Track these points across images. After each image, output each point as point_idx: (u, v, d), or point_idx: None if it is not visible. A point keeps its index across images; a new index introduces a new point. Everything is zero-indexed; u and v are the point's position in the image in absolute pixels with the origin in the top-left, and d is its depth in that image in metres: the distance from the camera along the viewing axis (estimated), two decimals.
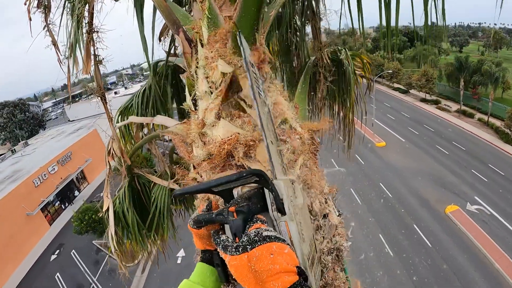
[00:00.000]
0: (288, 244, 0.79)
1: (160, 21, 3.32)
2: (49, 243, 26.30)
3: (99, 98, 3.53)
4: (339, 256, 1.72)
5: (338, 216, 1.79)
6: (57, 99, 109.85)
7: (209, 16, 1.59)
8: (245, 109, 1.54)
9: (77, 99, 73.56)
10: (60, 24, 3.31)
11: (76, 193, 33.08)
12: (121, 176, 3.83)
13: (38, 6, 3.33)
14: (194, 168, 1.73)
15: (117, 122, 4.07)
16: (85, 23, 3.14)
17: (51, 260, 24.39)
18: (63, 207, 30.76)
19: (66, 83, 3.49)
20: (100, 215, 3.94)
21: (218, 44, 1.57)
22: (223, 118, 1.54)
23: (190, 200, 4.11)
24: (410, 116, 39.50)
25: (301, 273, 0.75)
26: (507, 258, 16.90)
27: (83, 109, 48.91)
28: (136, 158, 3.87)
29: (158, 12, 3.10)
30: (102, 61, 3.39)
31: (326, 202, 1.73)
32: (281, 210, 0.94)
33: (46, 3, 3.36)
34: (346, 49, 4.28)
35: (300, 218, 0.96)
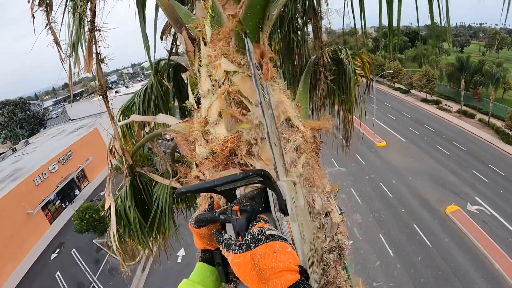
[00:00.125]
0: (290, 243, 0.80)
1: (162, 20, 3.33)
2: (49, 241, 26.34)
3: (100, 96, 3.54)
4: (340, 255, 1.73)
5: (340, 214, 1.80)
6: (57, 98, 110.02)
7: (212, 15, 1.59)
8: (248, 107, 1.55)
9: (78, 98, 73.63)
10: (62, 22, 3.32)
11: (77, 192, 33.11)
12: (123, 174, 3.84)
13: (40, 4, 3.34)
14: (197, 166, 1.73)
15: (119, 121, 4.08)
16: (87, 22, 3.14)
17: (51, 258, 24.42)
18: (64, 206, 30.81)
19: (67, 82, 3.49)
20: (102, 214, 3.95)
21: (221, 43, 1.58)
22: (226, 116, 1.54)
23: (191, 198, 4.12)
24: (411, 116, 39.50)
25: (303, 272, 0.76)
26: (507, 258, 16.91)
27: (84, 108, 49.02)
28: (138, 157, 3.88)
29: (159, 11, 3.12)
30: (104, 59, 3.40)
31: (328, 201, 1.74)
32: (284, 211, 0.95)
33: (48, 1, 3.36)
34: (347, 48, 4.29)
35: (301, 219, 0.97)
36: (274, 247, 0.75)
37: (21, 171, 29.01)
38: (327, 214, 1.68)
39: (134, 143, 3.97)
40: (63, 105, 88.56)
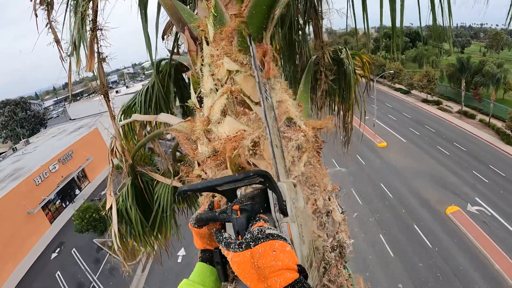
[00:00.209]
0: (289, 243, 0.81)
1: (164, 20, 3.33)
2: (49, 241, 26.36)
3: (102, 96, 3.55)
4: (342, 253, 1.73)
5: (341, 213, 1.80)
6: (58, 98, 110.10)
7: (215, 14, 1.60)
8: (251, 106, 1.56)
9: (78, 97, 73.69)
10: (63, 21, 3.32)
11: (77, 191, 33.15)
12: (124, 174, 3.85)
13: (41, 3, 3.35)
14: (199, 165, 1.74)
15: (120, 120, 4.09)
16: (89, 21, 3.15)
17: (51, 258, 24.44)
18: (64, 206, 30.84)
19: (68, 81, 3.50)
20: (103, 213, 3.95)
21: (224, 42, 1.59)
22: (228, 115, 1.55)
23: (192, 198, 4.13)
24: (411, 116, 39.49)
25: (302, 271, 0.76)
26: (507, 259, 16.90)
27: (84, 107, 49.13)
28: (139, 156, 3.89)
29: (161, 11, 3.13)
30: (106, 58, 3.41)
31: (329, 200, 1.75)
32: (284, 212, 0.96)
33: (49, 0, 3.37)
34: (347, 48, 4.31)
35: (301, 220, 0.98)
36: (274, 245, 0.75)
37: (22, 170, 29.05)
38: (328, 213, 1.69)
39: (136, 142, 3.98)
40: (64, 104, 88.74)
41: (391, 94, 49.67)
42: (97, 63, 3.31)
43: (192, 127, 1.84)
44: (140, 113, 3.96)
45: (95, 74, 3.39)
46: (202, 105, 1.80)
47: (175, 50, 3.73)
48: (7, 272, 22.70)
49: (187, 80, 4.13)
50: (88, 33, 3.18)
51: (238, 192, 1.05)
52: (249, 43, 1.40)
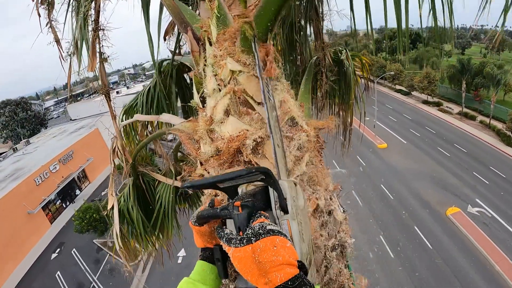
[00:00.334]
0: (289, 239, 0.81)
1: (166, 20, 3.34)
2: (50, 241, 26.33)
3: (103, 96, 3.56)
4: (343, 252, 1.74)
5: (342, 213, 1.82)
6: (59, 98, 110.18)
7: (218, 15, 1.61)
8: (253, 106, 1.57)
9: (79, 98, 73.74)
10: (64, 21, 3.33)
11: (77, 192, 33.13)
12: (125, 174, 3.86)
13: (42, 3, 3.36)
14: (201, 164, 1.75)
15: (122, 121, 4.10)
16: (91, 21, 3.16)
17: (51, 258, 24.42)
18: (64, 206, 30.82)
19: (67, 81, 3.51)
20: (104, 213, 3.96)
21: (227, 43, 1.60)
22: (231, 115, 1.57)
23: (194, 198, 4.14)
24: (412, 118, 39.49)
25: (302, 267, 0.78)
26: (507, 260, 16.89)
27: (85, 108, 49.16)
28: (140, 157, 3.90)
29: (163, 11, 3.14)
30: (107, 59, 3.42)
31: (331, 199, 1.76)
32: (284, 209, 0.97)
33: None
34: (347, 49, 4.32)
35: (301, 218, 0.99)
36: (275, 241, 0.76)
37: (22, 170, 29.04)
38: (330, 212, 1.70)
39: (137, 142, 3.99)
40: (64, 105, 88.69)
41: (392, 96, 49.66)
42: (98, 63, 3.32)
43: (195, 127, 1.85)
44: (142, 113, 3.97)
45: (96, 74, 3.41)
46: (205, 105, 1.81)
47: (177, 51, 3.75)
48: (7, 272, 22.69)
49: (188, 81, 4.14)
50: (90, 33, 3.19)
51: (240, 190, 1.06)
52: (252, 43, 1.41)
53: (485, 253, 17.55)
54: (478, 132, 33.02)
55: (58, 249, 25.31)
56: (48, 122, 60.43)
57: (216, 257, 1.06)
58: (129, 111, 4.21)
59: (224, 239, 0.85)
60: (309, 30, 4.38)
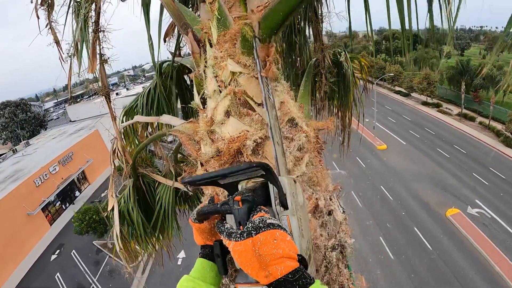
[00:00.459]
0: (289, 234, 0.82)
1: (166, 22, 3.35)
2: (49, 243, 26.27)
3: (103, 97, 3.57)
4: (343, 253, 1.75)
5: (342, 213, 1.83)
6: (58, 100, 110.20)
7: (219, 17, 1.63)
8: (254, 107, 1.58)
9: (78, 99, 73.71)
10: (65, 22, 3.34)
11: (77, 193, 33.09)
12: (125, 176, 3.86)
13: (41, 4, 3.37)
14: (202, 165, 1.76)
15: (122, 122, 4.11)
16: (92, 22, 3.17)
17: (51, 260, 24.37)
18: (64, 207, 30.77)
19: (67, 82, 3.52)
20: (105, 215, 3.97)
21: (227, 44, 1.61)
22: (232, 116, 1.58)
23: (194, 199, 4.14)
24: (411, 119, 39.52)
25: (302, 260, 0.79)
26: (507, 261, 16.88)
27: (85, 109, 49.11)
28: (141, 158, 3.91)
29: (164, 13, 3.15)
30: (107, 60, 3.43)
31: (330, 199, 1.77)
32: (284, 205, 0.98)
33: (49, 1, 3.39)
34: (346, 51, 4.34)
35: (300, 214, 1.00)
36: (275, 234, 0.77)
37: (22, 172, 29.01)
38: (330, 213, 1.71)
39: (137, 144, 4.00)
40: (64, 106, 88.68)
41: (391, 97, 49.68)
42: (99, 65, 3.33)
43: (195, 128, 1.86)
44: (142, 115, 3.98)
45: (96, 75, 3.41)
46: (205, 106, 1.82)
47: (177, 52, 3.76)
48: (7, 273, 22.66)
49: (189, 82, 4.15)
50: (90, 34, 3.20)
51: (240, 187, 1.07)
52: (253, 44, 1.42)
53: (484, 254, 17.55)
54: (477, 133, 33.03)
55: (58, 251, 25.26)
56: (47, 123, 60.43)
57: (216, 253, 1.06)
58: (129, 112, 4.22)
59: (224, 234, 0.85)
60: (309, 31, 4.40)
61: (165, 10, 2.94)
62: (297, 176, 1.60)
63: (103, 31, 3.24)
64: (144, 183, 3.95)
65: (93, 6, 3.11)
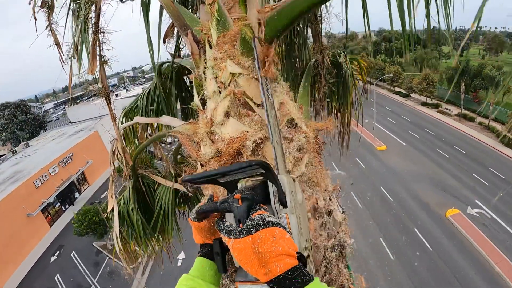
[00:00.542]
0: (288, 232, 0.83)
1: (166, 23, 3.36)
2: (49, 244, 26.26)
3: (103, 98, 3.57)
4: (342, 253, 1.76)
5: (341, 213, 1.83)
6: (58, 101, 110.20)
7: (218, 18, 1.63)
8: (253, 108, 1.59)
9: (78, 101, 73.73)
10: (65, 24, 3.35)
11: (77, 194, 33.07)
12: (125, 177, 3.86)
13: (41, 6, 3.38)
14: (202, 166, 1.77)
15: (122, 123, 4.11)
16: (92, 24, 3.18)
17: (51, 261, 24.35)
18: (64, 209, 30.74)
19: (68, 85, 3.52)
20: (104, 216, 3.96)
21: (227, 45, 1.62)
22: (231, 117, 1.58)
23: (194, 200, 4.15)
24: (411, 119, 39.54)
25: (301, 258, 0.79)
26: (507, 261, 16.88)
27: (84, 111, 49.10)
28: (141, 159, 3.91)
29: (163, 14, 3.16)
30: (107, 61, 3.43)
31: (330, 200, 1.77)
32: (283, 203, 0.98)
33: (49, 2, 3.40)
34: (345, 52, 4.36)
35: (299, 213, 1.00)
36: (274, 232, 0.77)
37: (21, 173, 28.99)
38: (329, 213, 1.71)
39: (137, 145, 4.00)
40: (64, 108, 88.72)
41: (391, 98, 49.71)
42: (99, 66, 3.33)
43: (195, 129, 1.87)
44: (142, 116, 3.98)
45: (96, 77, 3.42)
46: (205, 107, 1.83)
47: (177, 53, 3.77)
48: (7, 274, 22.62)
49: (188, 83, 4.16)
50: (90, 36, 3.20)
51: (239, 185, 1.07)
52: (253, 45, 1.43)
53: (484, 254, 17.55)
54: (477, 133, 33.05)
55: (58, 252, 25.24)
56: (47, 124, 60.38)
57: (215, 251, 1.07)
58: (129, 113, 4.22)
59: (224, 231, 0.86)
60: (307, 32, 4.40)
61: (164, 11, 2.94)
62: (297, 177, 1.60)
63: (103, 32, 3.24)
64: (144, 184, 3.96)
65: (93, 7, 3.11)
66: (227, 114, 1.60)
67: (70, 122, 52.97)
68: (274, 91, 1.70)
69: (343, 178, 26.69)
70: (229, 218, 0.99)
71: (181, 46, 3.75)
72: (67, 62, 3.42)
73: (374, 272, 17.53)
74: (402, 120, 39.81)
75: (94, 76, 3.38)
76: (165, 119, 2.91)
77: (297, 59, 4.59)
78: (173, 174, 3.73)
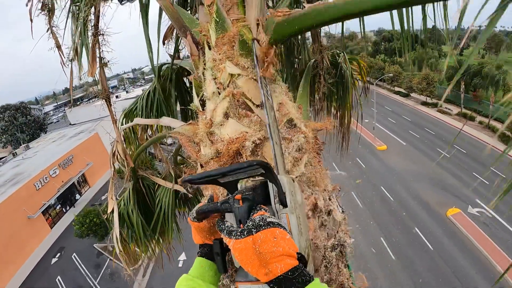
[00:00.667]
0: (288, 232, 0.83)
1: (165, 25, 3.37)
2: (50, 246, 26.27)
3: (103, 100, 3.58)
4: (342, 252, 1.76)
5: (341, 213, 1.83)
6: (58, 103, 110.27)
7: (217, 20, 1.64)
8: (252, 108, 1.60)
9: (78, 102, 73.77)
10: (65, 26, 3.35)
11: (77, 196, 33.07)
12: (125, 178, 3.87)
13: (42, 9, 3.38)
14: (202, 167, 1.77)
15: (122, 124, 4.12)
16: (91, 26, 3.18)
17: (52, 263, 24.35)
18: (64, 210, 30.75)
19: (68, 87, 3.53)
20: (105, 217, 3.97)
21: (225, 47, 1.63)
22: (231, 117, 1.59)
23: (194, 201, 4.15)
24: (411, 119, 39.53)
25: (301, 259, 0.80)
26: (508, 260, 16.85)
27: (84, 112, 49.15)
28: (141, 160, 3.91)
29: (163, 16, 3.17)
30: (107, 63, 3.44)
31: (330, 199, 1.78)
32: (283, 203, 0.99)
33: (50, 5, 3.41)
34: (344, 53, 4.36)
35: (299, 213, 1.01)
36: (275, 232, 0.78)
37: (22, 175, 28.99)
38: (329, 213, 1.72)
39: (137, 146, 4.00)
40: (64, 110, 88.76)
41: (391, 97, 49.70)
42: (98, 68, 3.34)
43: (195, 129, 1.88)
44: (142, 117, 3.99)
45: (96, 79, 3.42)
46: (204, 108, 1.84)
47: (176, 55, 3.77)
48: (8, 276, 22.62)
49: (188, 84, 4.17)
50: (89, 38, 3.21)
51: (239, 186, 1.08)
52: (252, 47, 1.44)
53: (485, 253, 17.54)
54: (477, 132, 33.02)
55: (58, 254, 25.24)
56: (47, 126, 60.42)
57: (215, 251, 1.07)
58: (129, 115, 4.22)
59: (225, 232, 0.86)
60: (307, 32, 4.40)
61: (163, 13, 2.95)
62: (296, 177, 1.61)
63: (103, 34, 3.25)
64: (144, 185, 3.96)
65: (92, 9, 3.12)
66: (226, 115, 1.61)
67: (70, 124, 53.02)
68: (273, 91, 1.71)
69: (344, 178, 26.72)
70: (230, 219, 0.99)
71: (180, 47, 3.75)
72: (68, 65, 3.43)
73: (374, 271, 17.51)
74: (402, 120, 39.80)
75: (94, 78, 3.38)
76: (165, 120, 2.92)
77: (297, 60, 4.59)
78: (173, 175, 3.73)
